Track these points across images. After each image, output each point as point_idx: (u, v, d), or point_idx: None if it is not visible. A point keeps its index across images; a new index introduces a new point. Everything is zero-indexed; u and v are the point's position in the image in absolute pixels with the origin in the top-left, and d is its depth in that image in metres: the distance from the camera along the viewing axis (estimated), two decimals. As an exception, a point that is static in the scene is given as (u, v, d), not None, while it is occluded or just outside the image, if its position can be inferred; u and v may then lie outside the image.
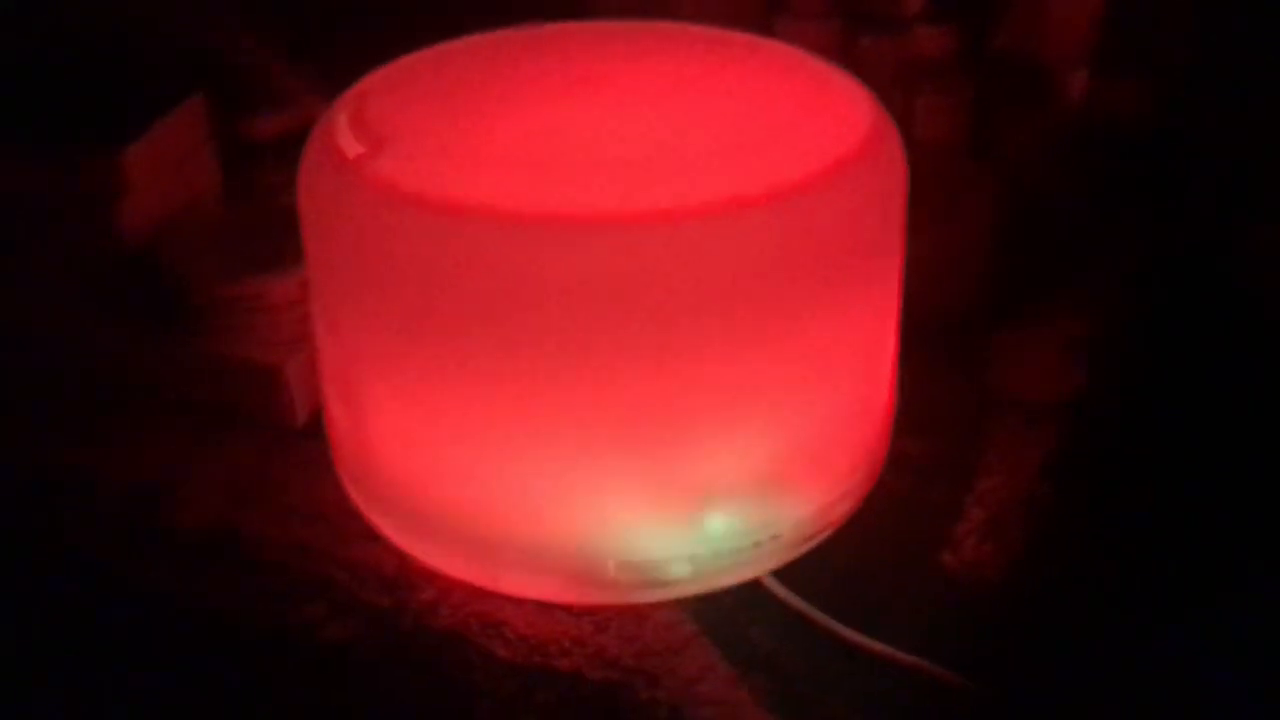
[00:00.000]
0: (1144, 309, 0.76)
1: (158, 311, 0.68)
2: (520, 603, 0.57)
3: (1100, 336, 0.73)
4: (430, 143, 0.52)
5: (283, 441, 0.67)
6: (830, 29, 0.88)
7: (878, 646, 0.55)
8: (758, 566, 0.55)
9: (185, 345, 0.68)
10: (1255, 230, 0.79)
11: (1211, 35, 0.82)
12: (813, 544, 0.56)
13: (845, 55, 0.87)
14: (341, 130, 0.53)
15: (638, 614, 0.57)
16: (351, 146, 0.52)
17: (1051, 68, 0.85)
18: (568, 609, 0.57)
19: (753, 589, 0.56)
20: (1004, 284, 0.75)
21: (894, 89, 0.85)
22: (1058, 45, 0.85)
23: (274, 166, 0.82)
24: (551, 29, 0.61)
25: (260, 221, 0.73)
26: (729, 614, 0.57)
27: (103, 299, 0.71)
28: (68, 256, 0.71)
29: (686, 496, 0.51)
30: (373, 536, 0.59)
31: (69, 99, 0.73)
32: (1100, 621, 0.59)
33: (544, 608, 0.57)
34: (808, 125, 0.53)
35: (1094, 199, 0.82)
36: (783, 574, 0.57)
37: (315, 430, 0.66)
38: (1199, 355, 0.74)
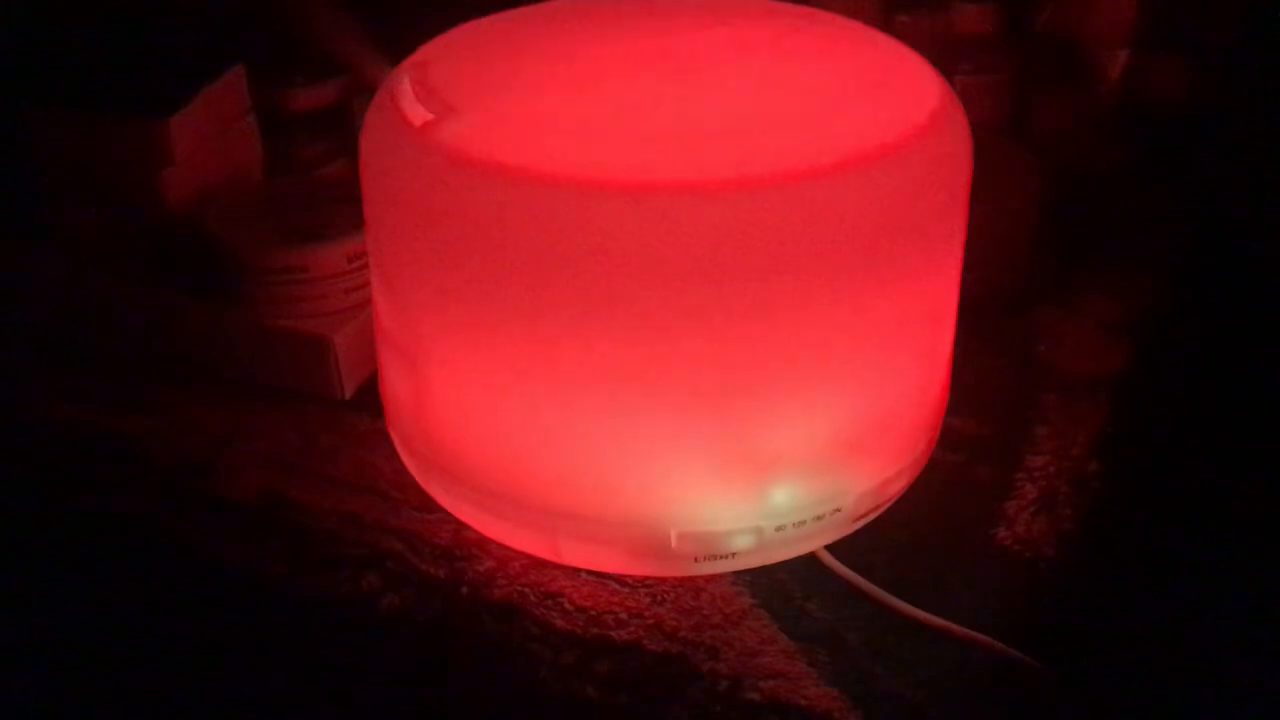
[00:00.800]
0: (1186, 286, 0.76)
1: (205, 282, 0.68)
2: (575, 575, 0.57)
3: (1144, 314, 0.73)
4: (496, 109, 0.52)
5: (331, 413, 0.66)
6: (868, 5, 0.87)
7: (935, 620, 0.55)
8: (818, 540, 0.55)
9: (233, 316, 0.67)
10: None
11: (1254, 14, 0.81)
12: (870, 518, 0.56)
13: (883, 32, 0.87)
14: (406, 97, 0.52)
15: (693, 587, 0.57)
16: (418, 113, 0.51)
17: (1093, 47, 0.85)
18: (622, 581, 0.57)
19: (807, 562, 0.56)
20: (1047, 262, 0.75)
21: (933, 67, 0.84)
22: (1099, 24, 0.84)
23: (309, 139, 0.82)
24: (613, -1, 0.61)
25: (304, 193, 0.72)
26: (783, 588, 0.57)
27: (150, 269, 0.70)
28: (115, 226, 0.71)
29: (752, 468, 0.51)
30: (425, 508, 0.59)
31: (114, 68, 0.73)
32: (1154, 597, 0.59)
33: (600, 580, 0.57)
34: (874, 96, 0.53)
35: (1135, 177, 0.81)
36: (836, 547, 0.57)
37: (364, 402, 0.66)
38: (1242, 331, 0.74)
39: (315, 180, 0.77)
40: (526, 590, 0.57)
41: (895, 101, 0.52)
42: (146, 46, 0.75)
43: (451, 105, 0.51)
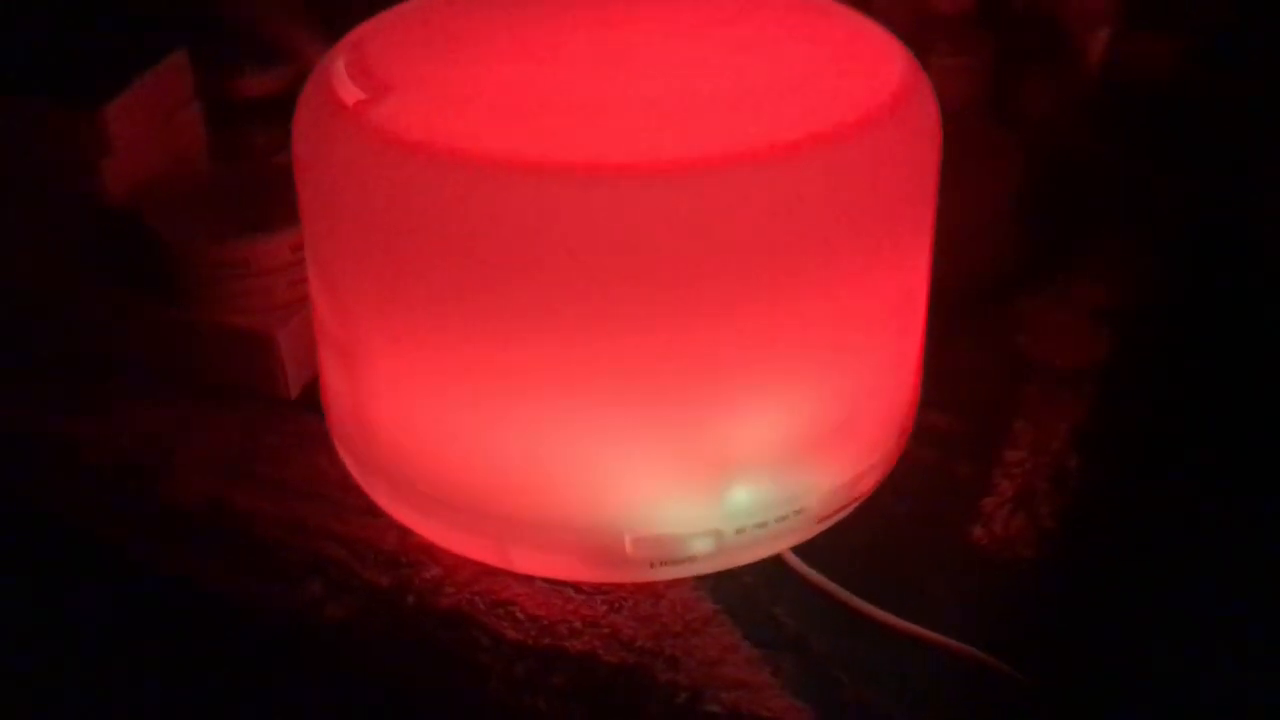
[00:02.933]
0: (1171, 273, 0.73)
1: (143, 277, 0.65)
2: (528, 581, 0.54)
3: (1128, 303, 0.70)
4: (435, 89, 0.49)
5: (275, 413, 0.63)
6: (844, -16, 0.85)
7: (906, 625, 0.52)
8: (781, 542, 0.52)
9: (173, 313, 0.64)
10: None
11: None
12: (838, 518, 0.53)
13: (859, 11, 0.84)
14: (340, 76, 0.49)
15: (653, 592, 0.54)
16: (351, 93, 0.48)
17: (1075, 25, 0.82)
18: (579, 587, 0.54)
19: (774, 565, 0.54)
20: (1027, 249, 0.73)
21: (910, 48, 0.82)
22: (1081, 3, 0.82)
23: (263, 127, 0.79)
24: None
25: (249, 182, 0.69)
26: (749, 592, 0.54)
27: (86, 264, 0.67)
28: (49, 220, 0.68)
29: (709, 467, 0.48)
30: (371, 512, 0.57)
31: (48, 53, 0.70)
32: (1135, 600, 0.56)
33: (554, 586, 0.54)
34: (837, 74, 0.50)
35: (1118, 161, 0.79)
36: (805, 550, 0.54)
37: (309, 401, 0.63)
38: (1227, 320, 0.71)
39: (265, 169, 0.74)
40: (476, 598, 0.54)
41: (858, 79, 0.50)
42: (83, 30, 0.72)
43: (387, 84, 0.48)
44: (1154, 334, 0.70)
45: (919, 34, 0.82)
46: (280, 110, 0.79)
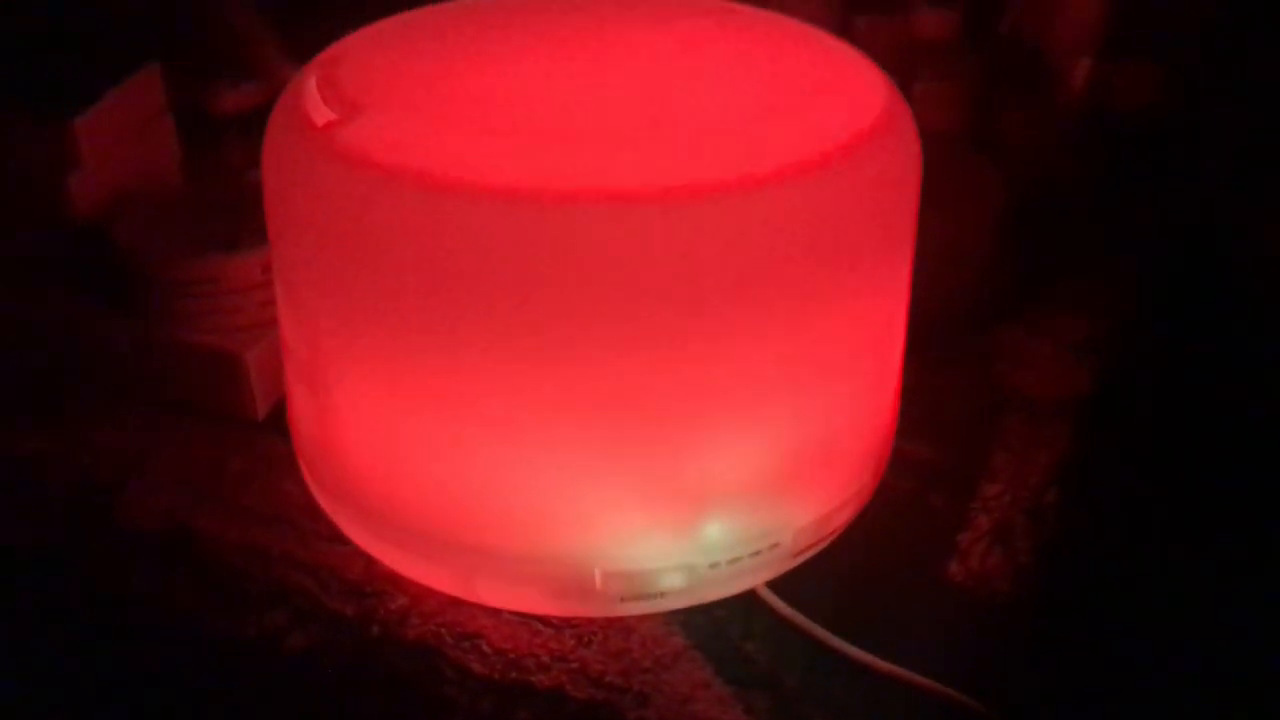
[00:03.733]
0: (1152, 305, 0.73)
1: (111, 294, 0.64)
2: (496, 613, 0.53)
3: (1109, 333, 0.70)
4: (406, 110, 0.48)
5: (242, 435, 0.62)
6: (826, 8, 0.84)
7: (881, 663, 0.51)
8: (754, 577, 0.51)
9: (140, 330, 0.63)
10: (1265, 223, 0.76)
11: (1222, 20, 0.78)
12: (813, 552, 0.52)
13: (841, 37, 0.84)
14: (310, 96, 0.48)
15: (623, 626, 0.53)
16: (321, 113, 0.47)
17: (1057, 53, 0.81)
18: (546, 620, 0.53)
19: (747, 599, 0.53)
20: (1007, 278, 0.72)
21: (891, 74, 0.81)
22: (1063, 30, 0.81)
23: (236, 142, 0.78)
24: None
25: (222, 199, 0.68)
26: (721, 626, 0.53)
27: (53, 280, 0.66)
28: (15, 234, 0.67)
29: (681, 501, 0.47)
30: (337, 539, 0.55)
31: (17, 63, 0.69)
32: (1110, 635, 0.56)
33: (522, 619, 0.53)
34: (816, 101, 0.49)
35: (1100, 190, 0.78)
36: (779, 584, 0.53)
37: (277, 423, 0.62)
38: (1209, 352, 0.70)
39: (239, 186, 0.73)
40: (442, 630, 0.53)
41: (837, 107, 0.49)
42: (55, 41, 0.70)
43: (357, 105, 0.47)
44: (1135, 365, 0.69)
45: (902, 60, 0.82)
46: (256, 125, 0.78)
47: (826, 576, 0.54)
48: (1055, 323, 0.71)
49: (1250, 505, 0.62)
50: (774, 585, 0.53)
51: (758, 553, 0.50)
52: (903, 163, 0.49)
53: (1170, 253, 0.76)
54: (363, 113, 0.47)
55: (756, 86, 0.50)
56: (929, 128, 0.80)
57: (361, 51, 0.52)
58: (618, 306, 0.44)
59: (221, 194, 0.70)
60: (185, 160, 0.74)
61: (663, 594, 0.49)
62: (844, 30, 0.85)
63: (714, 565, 0.49)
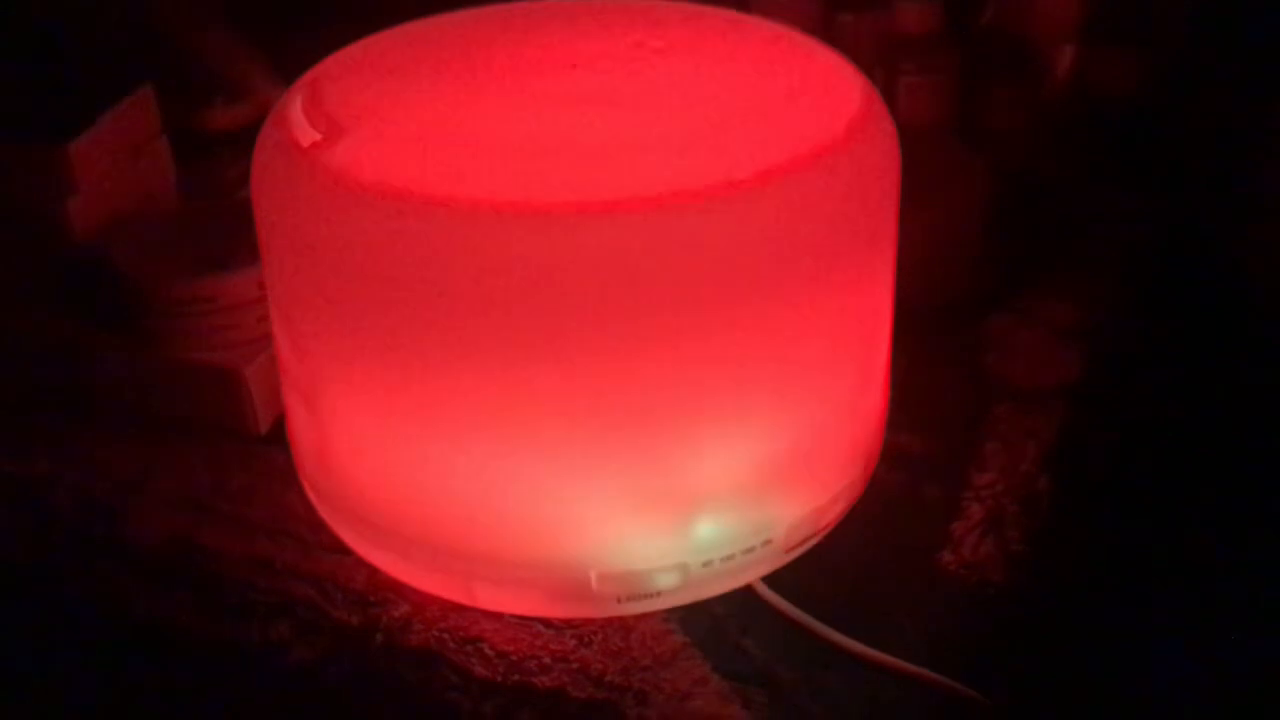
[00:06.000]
0: (1140, 291, 0.73)
1: (111, 314, 0.65)
2: (497, 617, 0.54)
3: (1098, 320, 0.70)
4: (390, 129, 0.48)
5: (244, 449, 0.63)
6: (809, 4, 0.85)
7: (877, 655, 0.52)
8: (749, 573, 0.52)
9: (140, 349, 0.64)
10: (1249, 208, 0.77)
11: (1203, 6, 0.79)
12: (807, 547, 0.53)
13: (824, 32, 0.85)
14: (296, 116, 0.49)
15: (622, 626, 0.54)
16: (306, 134, 0.48)
17: (1039, 43, 0.82)
18: (547, 622, 0.54)
19: (744, 596, 0.54)
20: (994, 269, 0.73)
21: (875, 68, 0.82)
22: (1046, 19, 0.82)
23: (231, 160, 0.79)
24: (520, 7, 0.58)
25: (218, 218, 0.69)
26: (719, 623, 0.54)
27: (53, 301, 0.67)
28: (14, 257, 0.68)
29: (673, 501, 0.48)
30: (340, 550, 0.56)
31: (12, 90, 0.70)
32: (1103, 622, 0.56)
33: (522, 622, 0.54)
34: (793, 105, 0.50)
35: (1085, 179, 0.79)
36: (774, 579, 0.54)
37: (278, 437, 0.62)
38: (1197, 338, 0.71)
39: (233, 204, 0.74)
40: (445, 635, 0.53)
41: (814, 109, 0.50)
42: (48, 66, 0.71)
43: (342, 125, 0.48)
44: (1125, 352, 0.70)
45: (885, 53, 0.83)
46: (249, 143, 0.79)
47: (821, 570, 0.55)
48: (1043, 312, 0.71)
49: (1242, 491, 0.62)
50: (769, 580, 0.54)
51: (751, 549, 0.50)
52: (881, 161, 0.50)
53: (1156, 238, 0.76)
54: (347, 133, 0.48)
55: (735, 91, 0.51)
56: (914, 120, 0.81)
57: (345, 70, 0.53)
58: (604, 314, 0.45)
59: (216, 212, 0.71)
60: (180, 178, 0.74)
61: (659, 593, 0.50)
62: (827, 26, 0.85)
63: (707, 563, 0.50)
